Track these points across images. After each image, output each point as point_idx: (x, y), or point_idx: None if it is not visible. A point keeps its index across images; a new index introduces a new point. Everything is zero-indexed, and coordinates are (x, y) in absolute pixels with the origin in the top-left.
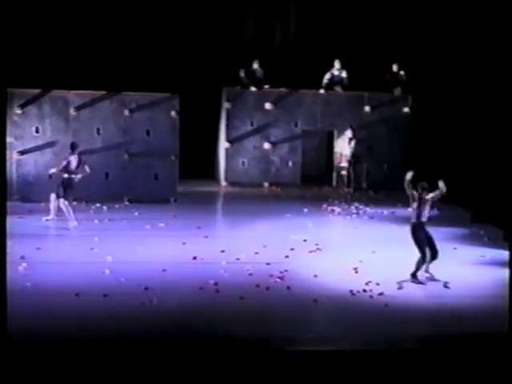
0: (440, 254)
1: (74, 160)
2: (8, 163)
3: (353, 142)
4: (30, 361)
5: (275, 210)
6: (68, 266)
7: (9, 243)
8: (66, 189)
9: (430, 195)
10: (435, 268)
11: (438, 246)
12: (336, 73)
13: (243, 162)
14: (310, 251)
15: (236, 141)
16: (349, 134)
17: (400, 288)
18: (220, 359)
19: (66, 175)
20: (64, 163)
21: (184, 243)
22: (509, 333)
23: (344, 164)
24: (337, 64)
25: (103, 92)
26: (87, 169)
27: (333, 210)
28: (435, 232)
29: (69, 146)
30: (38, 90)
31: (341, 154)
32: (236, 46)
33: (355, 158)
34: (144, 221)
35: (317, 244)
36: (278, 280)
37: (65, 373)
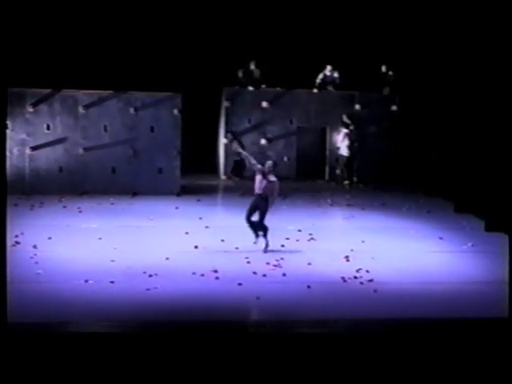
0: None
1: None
2: (21, 158)
3: (347, 139)
4: (40, 344)
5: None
6: (77, 254)
7: (22, 233)
8: None
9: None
10: (425, 256)
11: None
12: (328, 73)
13: None
14: (305, 240)
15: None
16: (345, 130)
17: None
18: (218, 341)
19: None
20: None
21: (186, 233)
22: (509, 317)
23: (344, 153)
24: (329, 67)
25: (110, 91)
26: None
27: (326, 202)
28: (421, 223)
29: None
30: (48, 90)
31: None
32: (235, 48)
33: (351, 152)
34: (148, 212)
35: (311, 234)
36: (274, 267)
37: (73, 356)
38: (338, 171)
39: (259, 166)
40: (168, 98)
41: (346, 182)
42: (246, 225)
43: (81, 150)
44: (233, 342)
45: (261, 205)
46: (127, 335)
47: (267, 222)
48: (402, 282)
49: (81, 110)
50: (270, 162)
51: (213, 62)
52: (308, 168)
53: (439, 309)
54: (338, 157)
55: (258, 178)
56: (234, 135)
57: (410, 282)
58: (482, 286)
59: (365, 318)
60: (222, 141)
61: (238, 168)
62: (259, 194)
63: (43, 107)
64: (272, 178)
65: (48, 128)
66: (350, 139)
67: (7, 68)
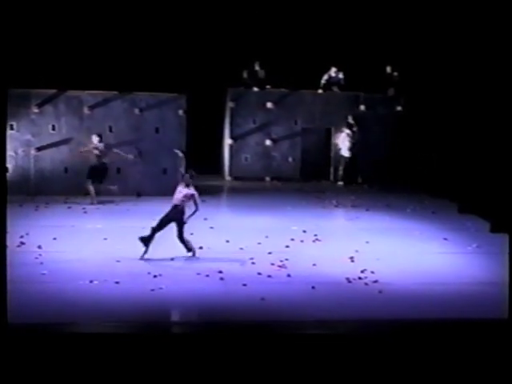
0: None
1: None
2: (26, 159)
3: (349, 140)
4: (44, 344)
5: (276, 202)
6: (82, 254)
7: (27, 234)
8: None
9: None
10: (430, 257)
11: None
12: (333, 74)
13: (246, 158)
14: (309, 241)
15: (239, 138)
16: (347, 130)
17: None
18: (223, 342)
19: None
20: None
21: (191, 234)
22: (509, 318)
23: (345, 153)
24: (334, 68)
25: (115, 92)
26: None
27: (330, 203)
28: (425, 224)
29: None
30: (54, 90)
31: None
32: (239, 48)
33: (353, 153)
34: (153, 213)
35: (315, 234)
36: (278, 268)
37: (78, 357)
38: (339, 171)
39: (178, 177)
40: (173, 99)
41: (340, 183)
42: (249, 226)
43: None
44: (237, 343)
45: (176, 216)
46: (132, 336)
47: (274, 223)
48: (406, 283)
49: (86, 110)
50: (187, 174)
51: (217, 63)
52: (313, 169)
53: (444, 310)
54: (340, 157)
55: (178, 189)
56: (101, 137)
57: (415, 283)
58: (487, 287)
59: (369, 318)
60: (227, 141)
61: (97, 174)
62: (175, 205)
63: (48, 108)
64: (191, 190)
65: (53, 129)
66: (351, 140)
67: (7, 68)
